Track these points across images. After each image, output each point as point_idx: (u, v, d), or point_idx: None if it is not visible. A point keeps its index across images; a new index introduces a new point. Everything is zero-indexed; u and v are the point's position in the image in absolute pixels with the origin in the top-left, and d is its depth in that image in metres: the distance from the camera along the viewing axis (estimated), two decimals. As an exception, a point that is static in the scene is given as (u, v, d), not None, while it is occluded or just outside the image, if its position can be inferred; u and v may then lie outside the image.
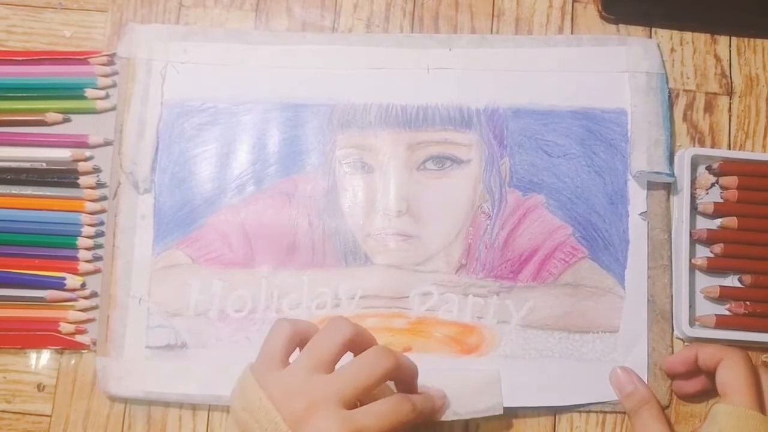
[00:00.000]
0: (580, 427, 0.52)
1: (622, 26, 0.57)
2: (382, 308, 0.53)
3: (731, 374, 0.47)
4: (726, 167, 0.54)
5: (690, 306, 0.53)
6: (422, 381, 0.48)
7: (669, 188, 0.55)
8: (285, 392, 0.42)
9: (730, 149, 0.56)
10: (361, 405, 0.43)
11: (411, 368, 0.46)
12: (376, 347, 0.44)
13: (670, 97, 0.56)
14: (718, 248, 0.53)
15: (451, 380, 0.51)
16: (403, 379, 0.46)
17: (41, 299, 0.53)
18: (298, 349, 0.45)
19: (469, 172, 0.54)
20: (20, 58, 0.55)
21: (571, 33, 0.57)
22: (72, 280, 0.53)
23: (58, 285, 0.53)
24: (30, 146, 0.54)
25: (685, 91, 0.57)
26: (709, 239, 0.53)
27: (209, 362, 0.52)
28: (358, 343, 0.44)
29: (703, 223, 0.54)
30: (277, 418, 0.41)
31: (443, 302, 0.53)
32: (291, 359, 0.44)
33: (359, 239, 0.54)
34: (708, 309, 0.53)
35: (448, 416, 0.50)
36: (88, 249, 0.54)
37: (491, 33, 0.57)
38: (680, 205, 0.54)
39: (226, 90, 0.56)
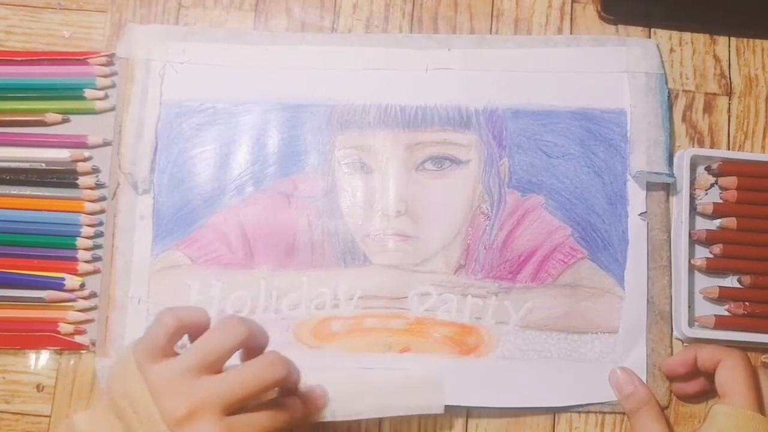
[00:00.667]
0: (579, 428, 0.52)
1: (621, 27, 0.57)
2: (380, 308, 0.53)
3: (730, 375, 0.47)
4: (725, 168, 0.54)
5: (689, 306, 0.53)
6: (366, 378, 0.50)
7: (668, 189, 0.55)
8: (167, 388, 0.40)
9: (729, 150, 0.56)
10: (243, 411, 0.41)
11: (297, 375, 0.45)
12: (269, 356, 0.43)
13: (669, 97, 0.56)
14: (717, 249, 0.53)
15: (392, 379, 0.51)
16: (288, 386, 0.45)
17: (40, 300, 0.53)
18: (188, 336, 0.43)
19: (468, 172, 0.54)
20: (19, 59, 0.55)
21: (571, 33, 0.57)
22: (71, 281, 0.53)
23: (57, 285, 0.53)
24: (29, 147, 0.54)
25: (684, 91, 0.57)
26: (709, 240, 0.53)
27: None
28: (251, 345, 0.43)
29: (703, 224, 0.54)
30: (156, 416, 0.39)
31: (442, 303, 0.53)
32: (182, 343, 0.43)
33: (358, 239, 0.54)
34: (707, 309, 0.53)
35: (388, 412, 0.50)
36: (87, 249, 0.54)
37: (490, 33, 0.57)
38: (679, 205, 0.54)
39: (225, 90, 0.56)
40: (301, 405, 0.46)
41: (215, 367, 0.41)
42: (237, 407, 0.41)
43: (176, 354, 0.42)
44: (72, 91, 0.55)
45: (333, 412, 0.49)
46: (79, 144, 0.54)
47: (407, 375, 0.52)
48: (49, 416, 0.52)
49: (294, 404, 0.45)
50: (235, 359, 0.43)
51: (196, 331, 0.43)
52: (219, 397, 0.40)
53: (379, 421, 0.52)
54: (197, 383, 0.40)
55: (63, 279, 0.53)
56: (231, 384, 0.41)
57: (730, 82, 0.57)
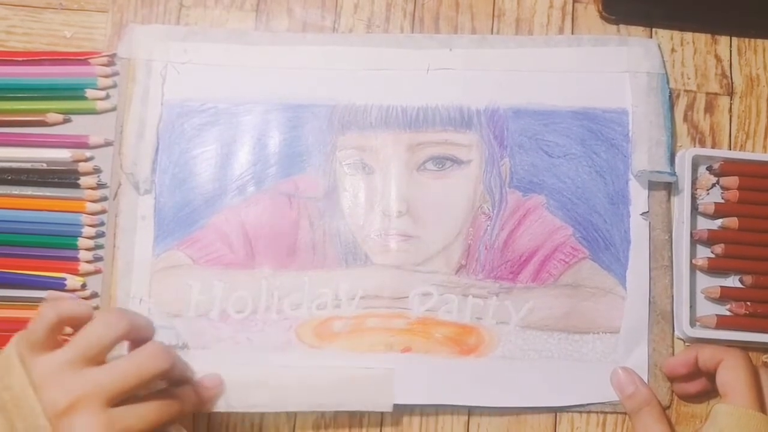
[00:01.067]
0: (580, 428, 0.52)
1: (622, 26, 0.57)
2: (382, 308, 0.53)
3: (731, 375, 0.47)
4: (727, 167, 0.54)
5: (691, 306, 0.53)
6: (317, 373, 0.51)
7: (670, 188, 0.55)
8: (48, 380, 0.40)
9: (730, 149, 0.56)
10: (128, 401, 0.41)
11: (183, 366, 0.45)
12: (152, 347, 0.43)
13: (670, 97, 0.56)
14: (718, 248, 0.53)
15: (343, 375, 0.51)
16: (174, 376, 0.45)
17: (42, 300, 0.52)
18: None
19: (470, 172, 0.54)
20: (21, 59, 0.55)
21: (572, 33, 0.57)
22: (72, 281, 0.53)
23: (59, 285, 0.53)
24: (30, 147, 0.54)
25: (685, 91, 0.57)
26: (710, 239, 0.53)
27: (210, 363, 0.52)
28: (135, 338, 0.43)
29: (704, 224, 0.54)
30: (37, 410, 0.39)
31: (443, 303, 0.53)
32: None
33: (359, 240, 0.54)
34: (709, 309, 0.53)
35: (336, 407, 0.51)
36: (88, 249, 0.54)
37: (492, 33, 0.57)
38: (681, 205, 0.54)
39: (226, 90, 0.56)
40: (193, 395, 0.46)
41: (96, 359, 0.42)
42: (120, 398, 0.41)
43: (59, 347, 0.42)
44: (73, 91, 0.55)
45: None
46: (81, 144, 0.54)
47: (356, 372, 0.52)
48: (51, 416, 0.52)
49: (184, 394, 0.45)
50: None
51: (78, 324, 0.43)
52: (100, 389, 0.40)
53: (381, 419, 0.52)
54: (78, 375, 0.40)
55: (64, 279, 0.53)
56: (112, 375, 0.41)
57: (732, 82, 0.57)
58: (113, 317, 0.43)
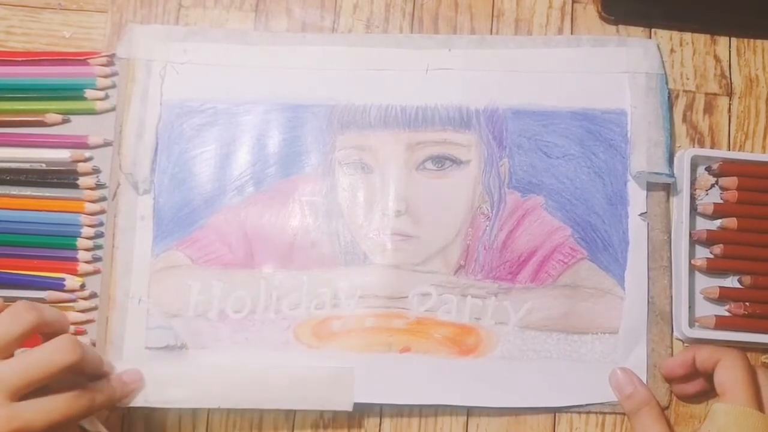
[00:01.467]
0: (579, 428, 0.52)
1: (621, 27, 0.57)
2: (381, 308, 0.53)
3: (729, 374, 0.47)
4: (726, 168, 0.54)
5: (690, 307, 0.53)
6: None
7: (669, 189, 0.55)
8: None
9: (729, 150, 0.56)
10: (37, 395, 0.41)
11: (96, 360, 0.45)
12: (60, 340, 0.42)
13: (669, 97, 0.56)
14: (717, 249, 0.53)
15: (303, 373, 0.51)
16: (90, 371, 0.45)
17: (41, 300, 0.52)
18: None
19: (469, 172, 0.54)
20: (20, 59, 0.55)
21: (571, 34, 0.57)
22: (71, 281, 0.53)
23: (58, 286, 0.53)
24: (29, 147, 0.54)
25: (684, 91, 0.57)
26: (709, 240, 0.53)
27: (209, 363, 0.52)
28: (45, 331, 0.43)
29: (703, 224, 0.54)
30: None
31: (442, 303, 0.53)
32: None
33: (358, 239, 0.54)
34: (708, 310, 0.53)
35: (297, 405, 0.51)
36: (87, 250, 0.54)
37: (491, 34, 0.57)
38: (680, 205, 0.54)
39: (225, 90, 0.56)
40: (108, 389, 0.46)
41: (3, 353, 0.41)
42: (25, 392, 0.40)
43: None
44: (72, 92, 0.55)
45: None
46: (80, 144, 0.54)
47: (316, 371, 0.51)
48: (50, 416, 0.52)
49: (98, 388, 0.45)
50: None
51: None
52: (3, 383, 0.40)
53: (380, 420, 0.52)
54: None
55: (63, 279, 0.53)
56: (17, 368, 0.40)
57: (731, 83, 0.57)
58: (20, 310, 0.42)
